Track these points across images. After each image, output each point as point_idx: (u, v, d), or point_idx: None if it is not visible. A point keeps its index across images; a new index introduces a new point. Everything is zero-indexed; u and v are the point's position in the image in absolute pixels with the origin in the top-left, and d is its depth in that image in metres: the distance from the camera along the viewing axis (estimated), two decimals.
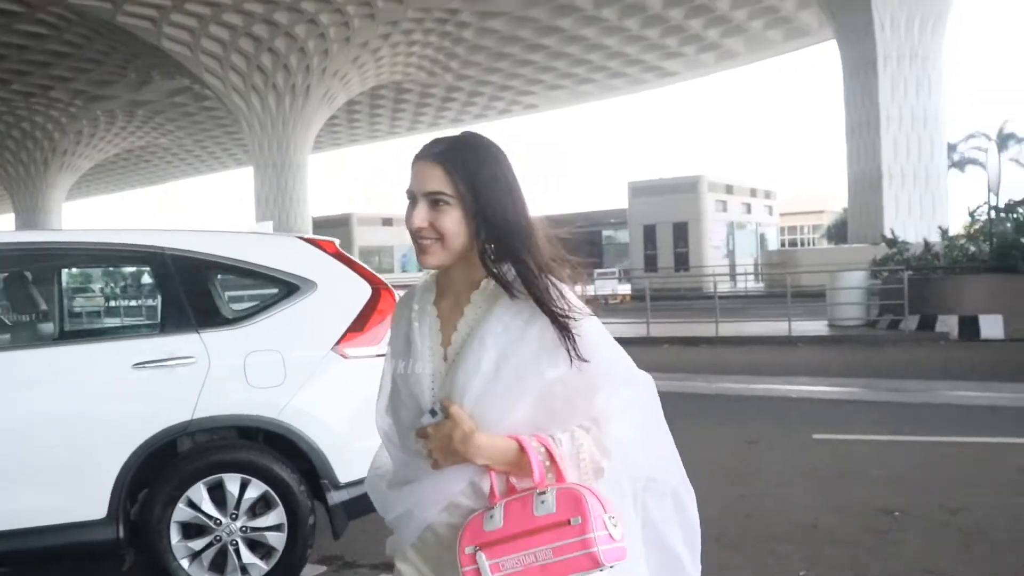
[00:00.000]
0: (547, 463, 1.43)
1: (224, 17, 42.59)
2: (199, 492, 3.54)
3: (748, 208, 36.97)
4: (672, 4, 44.40)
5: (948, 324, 13.77)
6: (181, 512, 3.52)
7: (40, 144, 61.24)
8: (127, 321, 3.98)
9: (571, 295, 1.49)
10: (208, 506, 3.55)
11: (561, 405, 1.46)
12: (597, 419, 1.46)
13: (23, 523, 3.37)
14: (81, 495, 3.45)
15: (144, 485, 3.57)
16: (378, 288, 3.77)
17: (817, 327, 15.36)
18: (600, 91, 64.28)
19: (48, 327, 4.03)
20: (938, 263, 15.09)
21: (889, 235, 16.33)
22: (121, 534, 3.46)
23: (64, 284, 4.52)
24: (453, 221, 1.47)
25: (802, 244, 68.30)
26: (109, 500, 3.44)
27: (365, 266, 3.92)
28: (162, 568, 3.52)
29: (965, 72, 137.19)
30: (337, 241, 4.07)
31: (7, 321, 4.03)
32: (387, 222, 45.12)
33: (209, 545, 3.55)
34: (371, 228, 42.22)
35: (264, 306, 3.69)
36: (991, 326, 13.44)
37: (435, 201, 1.47)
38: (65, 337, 4.23)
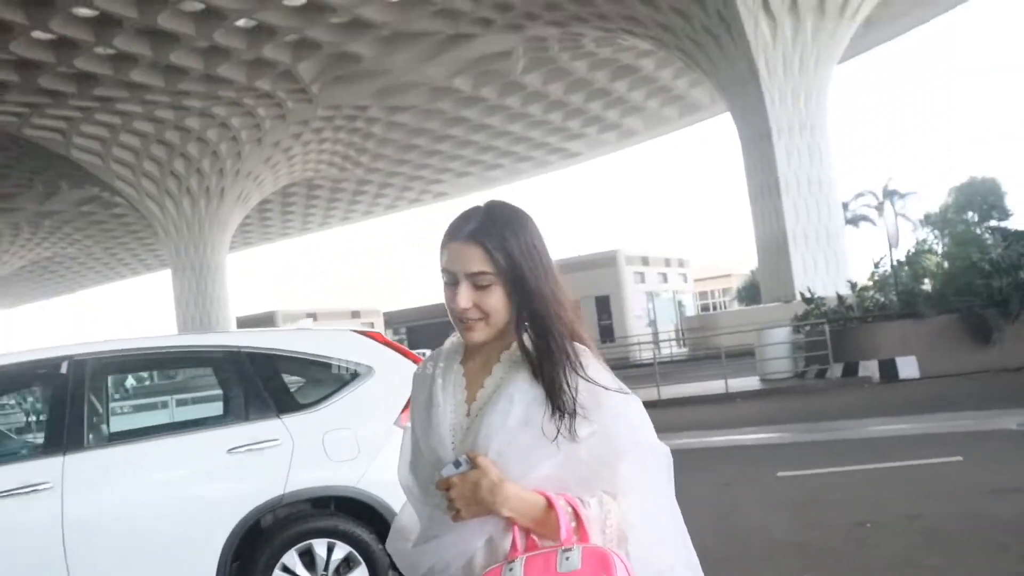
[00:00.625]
0: (573, 523, 1.42)
1: (135, 125, 42.77)
2: (292, 558, 4.04)
3: (664, 277, 38.49)
4: (573, 89, 46.52)
5: (869, 368, 14.91)
6: None
7: None
8: (217, 412, 4.43)
9: (601, 368, 1.51)
10: (301, 570, 4.05)
11: (586, 469, 1.46)
12: (623, 488, 1.46)
13: None
14: (192, 570, 3.91)
15: (240, 558, 4.06)
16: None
17: (750, 382, 16.34)
18: (508, 175, 66.13)
19: (154, 420, 4.48)
20: (853, 314, 16.33)
21: (806, 293, 17.55)
22: None
23: (160, 382, 4.99)
24: (498, 299, 1.48)
25: (714, 308, 70.64)
26: (216, 573, 3.92)
27: (408, 349, 4.55)
28: None
29: (847, 137, 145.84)
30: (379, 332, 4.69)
31: (131, 417, 4.49)
32: (311, 316, 45.18)
33: None
34: (296, 325, 42.18)
35: (332, 391, 4.27)
36: (907, 367, 14.63)
37: (478, 283, 1.48)
38: (168, 429, 4.69)
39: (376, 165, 56.10)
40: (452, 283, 1.50)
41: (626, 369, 22.17)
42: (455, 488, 1.43)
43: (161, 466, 4.01)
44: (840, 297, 17.13)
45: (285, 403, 4.18)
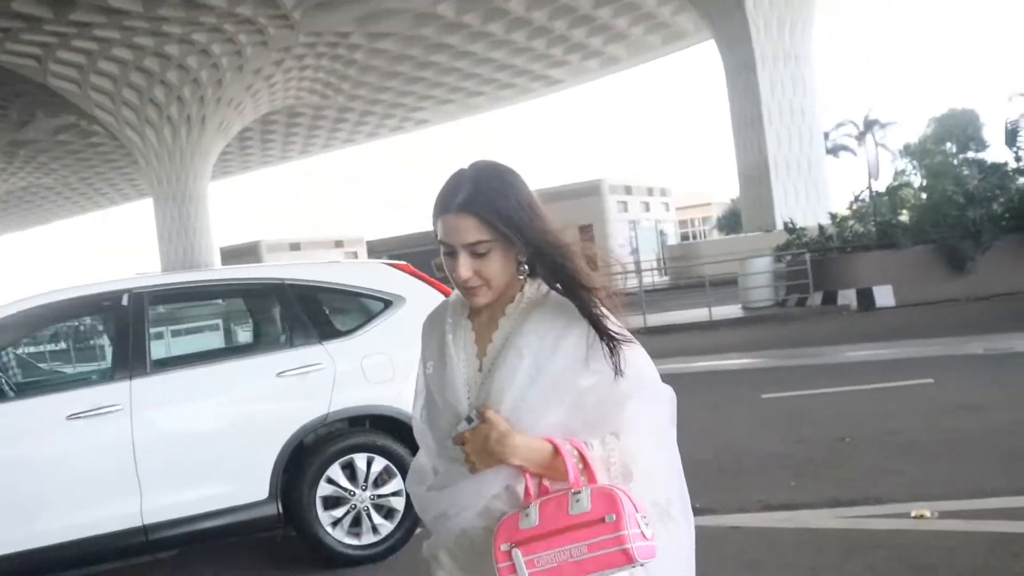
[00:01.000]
0: (580, 465, 1.49)
1: (113, 52, 42.10)
2: (336, 471, 4.50)
3: (647, 207, 38.88)
4: (556, 15, 46.06)
5: (848, 297, 15.48)
6: (323, 488, 4.47)
7: None
8: (264, 340, 4.82)
9: (612, 317, 1.56)
10: (344, 481, 4.51)
11: (593, 412, 1.52)
12: (627, 428, 1.53)
13: (207, 508, 4.26)
14: (248, 482, 4.34)
15: (288, 471, 4.50)
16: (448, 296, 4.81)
17: (733, 311, 16.90)
18: (490, 103, 65.75)
19: (208, 347, 4.90)
20: (833, 244, 16.83)
21: (788, 222, 18.01)
22: (280, 511, 4.40)
23: (210, 311, 5.38)
24: (497, 263, 1.54)
25: (694, 236, 71.14)
26: (269, 484, 4.36)
27: (435, 279, 4.94)
28: (312, 534, 4.44)
29: (830, 66, 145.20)
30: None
31: (186, 344, 4.89)
32: (295, 247, 45.32)
33: (347, 513, 4.52)
34: (279, 254, 42.37)
35: (368, 319, 4.68)
36: (884, 296, 15.21)
37: (476, 251, 1.53)
38: (221, 355, 5.09)
39: (358, 92, 55.60)
40: (451, 254, 1.55)
41: None
42: (468, 443, 1.51)
43: (218, 388, 4.43)
44: (821, 228, 17.62)
45: (326, 331, 4.58)
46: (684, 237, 58.52)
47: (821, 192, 31.23)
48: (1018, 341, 9.38)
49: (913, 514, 4.22)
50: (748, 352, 11.63)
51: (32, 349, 5.00)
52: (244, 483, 4.36)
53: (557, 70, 57.70)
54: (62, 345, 5.09)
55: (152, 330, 4.45)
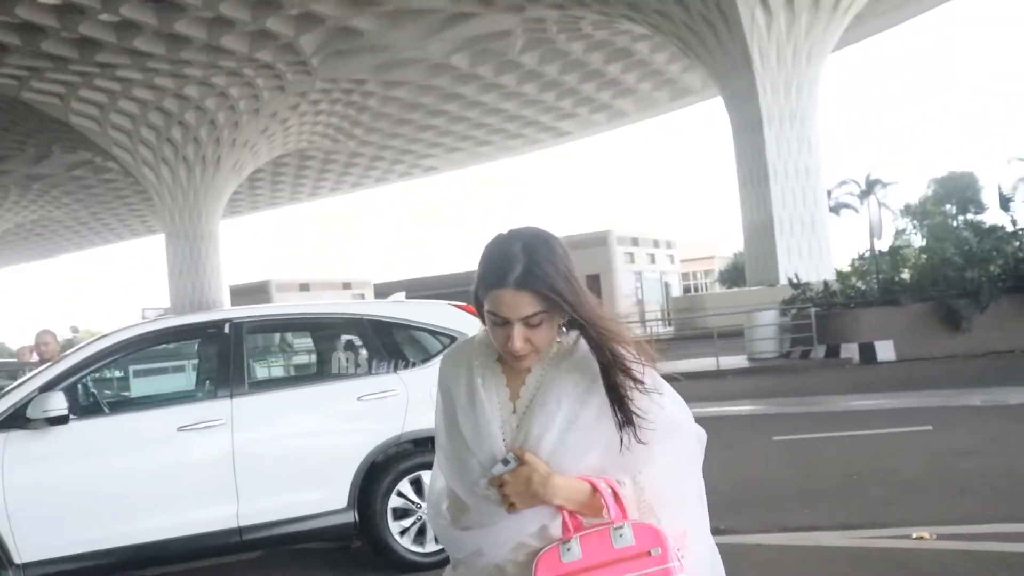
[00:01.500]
0: (614, 502, 1.55)
1: (134, 92, 43.17)
2: (405, 486, 5.09)
3: (652, 258, 39.64)
4: (567, 69, 47.26)
5: (850, 351, 16.10)
6: (394, 500, 5.05)
7: None
8: (347, 368, 5.42)
9: (651, 374, 1.63)
10: (413, 496, 5.10)
11: (626, 457, 1.58)
12: (653, 467, 1.60)
13: (294, 513, 4.84)
14: (330, 492, 4.91)
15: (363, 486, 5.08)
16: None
17: (739, 361, 17.50)
18: (497, 152, 66.90)
19: (298, 371, 5.52)
20: (837, 299, 17.49)
21: (793, 278, 18.70)
22: (356, 519, 4.98)
23: (303, 343, 6.00)
24: (548, 331, 1.60)
25: (696, 289, 71.85)
26: (348, 495, 4.94)
27: None
28: (383, 541, 5.01)
29: (834, 125, 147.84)
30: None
31: (283, 369, 5.50)
32: (304, 287, 45.99)
33: (413, 523, 5.09)
34: (289, 294, 43.03)
35: (437, 352, 5.29)
36: (885, 350, 15.82)
37: (530, 323, 1.57)
38: (310, 380, 5.69)
39: (369, 138, 56.70)
40: (502, 324, 1.57)
41: None
42: (508, 484, 1.55)
43: (306, 408, 5.04)
44: (826, 283, 18.28)
45: (400, 361, 5.21)
46: (687, 289, 59.23)
47: (824, 249, 31.94)
48: (1012, 395, 9.97)
49: (914, 535, 4.80)
50: (756, 399, 12.22)
51: (148, 367, 5.62)
52: (326, 493, 4.94)
53: (566, 122, 58.91)
54: (174, 365, 5.73)
55: (249, 355, 5.07)
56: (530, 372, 1.63)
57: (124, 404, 5.08)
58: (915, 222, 45.80)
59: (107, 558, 4.58)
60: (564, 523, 1.56)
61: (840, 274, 19.22)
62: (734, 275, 54.75)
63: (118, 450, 4.69)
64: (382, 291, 47.39)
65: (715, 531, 1.70)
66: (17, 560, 4.40)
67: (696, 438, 1.70)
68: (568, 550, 1.53)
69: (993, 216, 46.77)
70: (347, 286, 47.82)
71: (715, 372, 16.25)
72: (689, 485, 1.66)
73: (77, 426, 4.56)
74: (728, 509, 5.45)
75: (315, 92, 45.86)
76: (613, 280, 35.04)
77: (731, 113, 32.90)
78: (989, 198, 39.94)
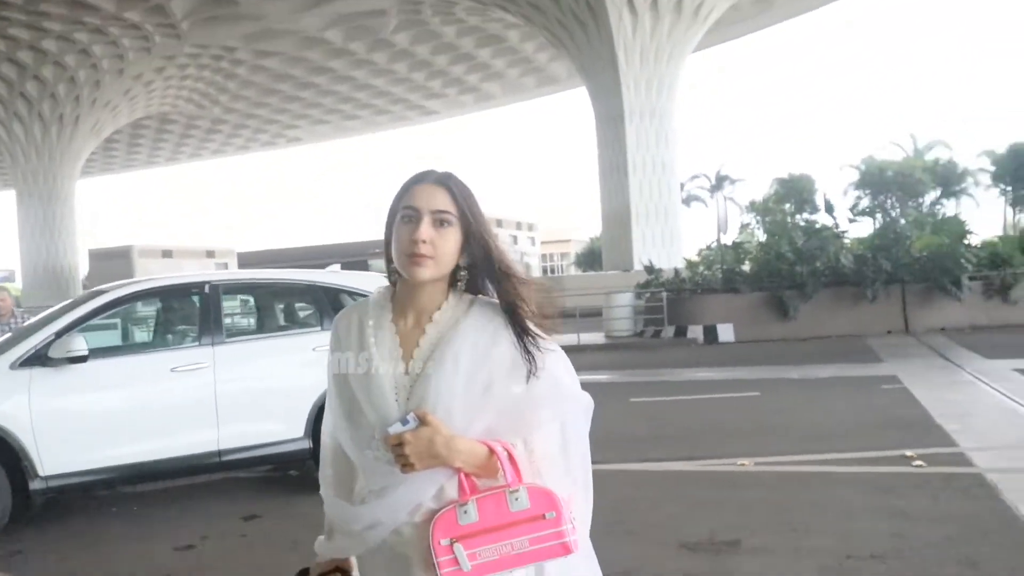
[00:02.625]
0: (508, 465, 1.57)
1: None
2: None
3: (515, 239, 41.39)
4: (439, 51, 48.24)
5: (696, 332, 18.13)
6: None
7: None
8: (304, 323, 6.48)
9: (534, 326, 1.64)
10: None
11: (516, 417, 1.61)
12: (540, 431, 1.63)
13: (262, 440, 5.99)
14: (291, 423, 6.06)
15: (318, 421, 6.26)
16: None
17: (597, 338, 19.27)
18: (364, 127, 67.15)
19: (264, 326, 6.57)
20: (686, 286, 19.52)
21: (649, 264, 20.64)
22: (311, 445, 6.17)
23: (267, 303, 7.05)
24: (452, 240, 1.60)
25: (553, 271, 74.45)
26: (305, 425, 6.12)
27: None
28: None
29: (688, 121, 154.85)
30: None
31: (251, 323, 6.56)
32: (167, 254, 45.23)
33: None
34: (151, 260, 42.32)
35: None
36: (726, 332, 17.94)
37: (440, 220, 1.59)
38: (273, 332, 6.71)
39: (234, 106, 55.95)
40: (413, 219, 1.59)
41: None
42: (408, 444, 1.53)
43: (273, 355, 6.18)
44: (677, 271, 20.32)
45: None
46: (545, 271, 61.54)
47: (675, 238, 34.42)
48: (823, 371, 12.03)
49: (738, 463, 6.44)
50: (613, 370, 13.91)
51: (146, 316, 6.63)
52: (288, 424, 6.11)
53: (433, 101, 59.87)
54: (167, 316, 6.74)
55: (225, 310, 6.18)
56: (425, 333, 1.64)
57: (125, 348, 6.07)
58: (758, 218, 49.50)
59: (112, 473, 5.63)
60: (461, 485, 1.58)
61: (689, 263, 21.33)
62: (590, 259, 57.34)
63: (123, 385, 5.72)
64: (246, 261, 47.12)
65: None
66: (41, 473, 5.39)
67: (583, 407, 1.71)
68: (465, 512, 1.55)
69: (825, 217, 51.02)
70: (211, 254, 47.25)
71: (576, 347, 17.92)
72: (576, 452, 1.66)
73: (91, 365, 5.57)
74: (595, 447, 6.94)
75: (183, 56, 45.06)
76: None
77: (595, 106, 34.84)
78: (822, 200, 43.79)
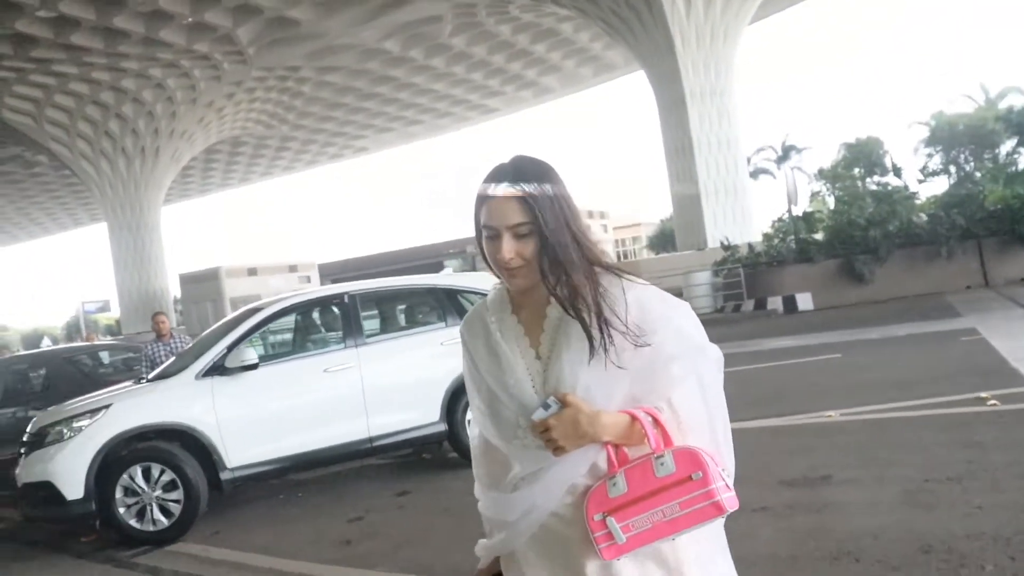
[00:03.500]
0: (655, 429, 1.53)
1: (70, 86, 43.58)
2: None
3: (589, 228, 42.04)
4: (495, 50, 49.11)
5: (775, 303, 18.66)
6: (471, 414, 7.21)
7: None
8: (428, 323, 7.43)
9: (640, 282, 1.65)
10: None
11: (652, 377, 1.57)
12: (678, 388, 1.57)
13: (405, 426, 6.93)
14: (428, 410, 6.99)
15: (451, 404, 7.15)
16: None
17: None
18: (427, 131, 68.43)
19: (396, 326, 7.58)
20: (762, 259, 20.04)
21: (724, 242, 21.20)
22: (446, 428, 7.07)
23: (397, 306, 8.06)
24: (533, 248, 1.56)
25: (626, 255, 74.82)
26: (439, 411, 7.04)
27: None
28: (463, 442, 7.11)
29: (751, 96, 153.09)
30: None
31: (385, 325, 7.60)
32: (252, 272, 47.11)
33: None
34: (239, 279, 44.23)
35: None
36: (804, 301, 18.43)
37: (518, 233, 1.56)
38: (405, 332, 7.69)
39: (302, 122, 57.70)
40: (494, 236, 1.59)
41: None
42: (554, 428, 1.53)
43: (408, 352, 7.12)
44: (751, 246, 20.84)
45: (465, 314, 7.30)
46: (619, 256, 62.03)
47: (747, 213, 34.71)
48: (902, 329, 12.53)
49: (826, 415, 7.14)
50: None
51: (298, 326, 7.67)
52: (425, 410, 7.03)
53: (493, 99, 60.80)
54: (315, 324, 7.79)
55: (364, 315, 7.14)
56: (546, 317, 1.64)
57: (284, 355, 7.09)
58: (828, 185, 49.16)
59: (283, 463, 6.63)
60: (609, 458, 1.56)
61: (764, 236, 21.81)
62: (662, 241, 57.58)
63: (287, 387, 6.72)
64: (326, 271, 48.73)
65: None
66: (229, 465, 6.41)
67: (714, 359, 1.67)
68: (614, 485, 1.54)
69: (895, 179, 50.45)
70: (293, 268, 48.97)
71: None
72: (715, 405, 1.62)
73: (260, 371, 6.57)
74: None
75: (250, 80, 46.80)
76: None
77: (656, 91, 35.29)
78: (892, 160, 43.36)
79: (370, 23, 41.39)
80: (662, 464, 1.51)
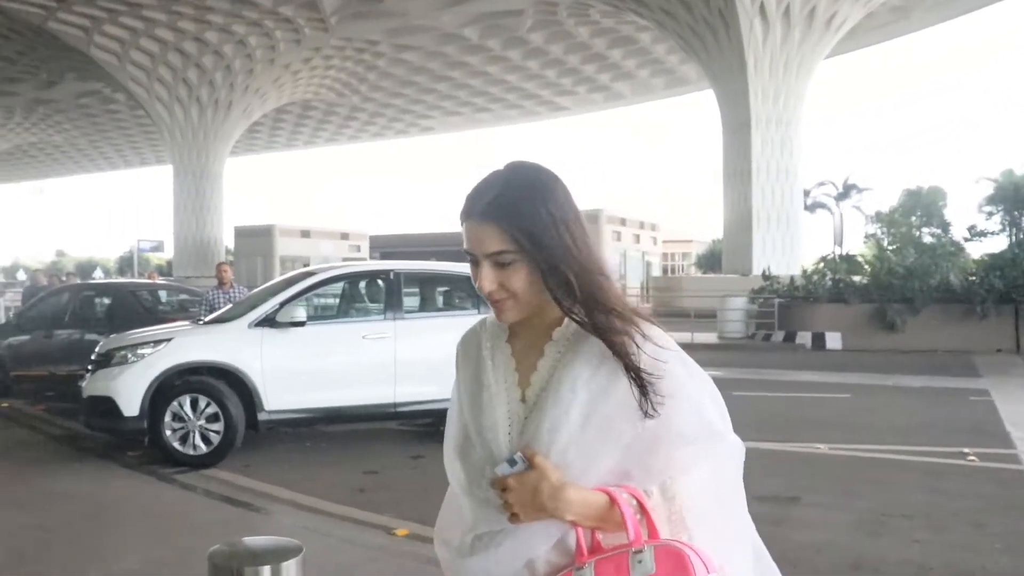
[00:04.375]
0: (639, 516, 1.30)
1: (156, 32, 44.96)
2: None
3: (637, 239, 42.51)
4: (572, 50, 49.59)
5: (804, 338, 19.04)
6: None
7: None
8: (461, 307, 8.16)
9: (654, 331, 1.37)
10: None
11: (649, 455, 1.32)
12: (685, 474, 1.32)
13: (431, 397, 7.59)
14: (449, 387, 7.65)
15: None
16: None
17: (710, 338, 20.38)
18: (495, 120, 69.16)
19: (431, 307, 8.31)
20: (799, 293, 20.40)
21: (767, 270, 21.58)
22: None
23: (435, 288, 8.78)
24: (522, 278, 1.35)
25: (673, 271, 74.98)
26: None
27: None
28: None
29: (816, 127, 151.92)
30: None
31: (422, 304, 8.33)
32: (305, 234, 48.34)
33: None
34: (291, 239, 45.50)
35: None
36: (833, 340, 18.79)
37: (499, 263, 1.34)
38: (442, 313, 8.38)
39: (372, 95, 58.68)
40: (474, 263, 1.38)
41: None
42: (512, 491, 1.31)
43: (437, 331, 7.77)
44: (792, 278, 21.20)
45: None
46: (665, 270, 62.31)
47: (796, 244, 34.85)
48: (916, 380, 12.93)
49: (816, 446, 7.67)
50: (723, 367, 15.07)
51: (346, 293, 8.41)
52: (446, 387, 7.66)
53: (564, 98, 61.25)
54: (361, 294, 8.53)
55: (405, 292, 7.82)
56: (543, 355, 1.39)
57: (329, 317, 7.83)
58: (883, 229, 49.06)
59: (315, 414, 7.35)
60: (579, 543, 1.33)
61: (804, 271, 22.16)
62: (710, 261, 57.84)
63: (328, 346, 7.43)
64: (376, 243, 49.75)
65: None
66: (266, 407, 7.14)
67: (734, 450, 1.42)
68: None
69: (957, 231, 50.00)
70: (345, 236, 50.14)
71: (688, 344, 19.10)
72: (730, 503, 1.38)
73: (307, 329, 7.29)
74: None
75: (329, 48, 47.82)
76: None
77: (722, 111, 35.55)
78: (951, 214, 43.18)
79: (452, 8, 42.14)
80: (640, 562, 1.27)
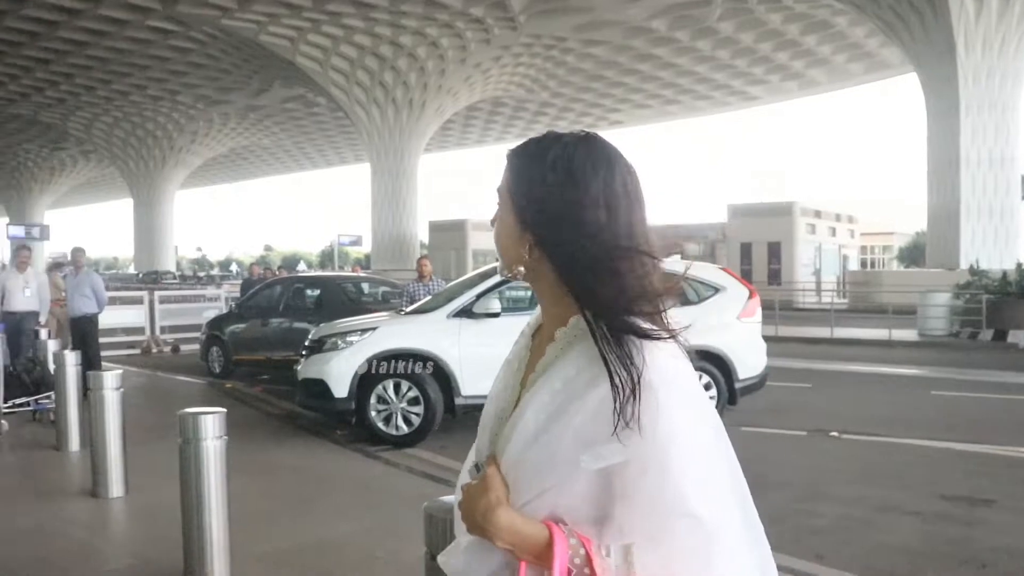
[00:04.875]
0: (585, 571, 1.08)
1: (355, 38, 47.48)
2: None
3: (833, 231, 40.82)
4: (763, 38, 48.17)
5: (1018, 337, 17.73)
6: None
7: (160, 143, 66.88)
8: None
9: (668, 364, 1.15)
10: None
11: (617, 507, 1.09)
12: (655, 549, 1.07)
13: None
14: None
15: None
16: (751, 289, 8.19)
17: (909, 335, 19.36)
18: (684, 111, 68.34)
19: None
20: (1011, 289, 18.99)
21: (975, 265, 20.27)
22: None
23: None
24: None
25: (872, 264, 71.32)
26: None
27: (742, 277, 8.26)
28: None
29: None
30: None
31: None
32: (477, 227, 49.73)
33: None
34: (483, 233, 46.98)
35: (708, 296, 8.06)
36: None
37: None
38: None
39: (561, 90, 59.38)
40: None
41: (790, 311, 25.38)
42: (464, 500, 1.18)
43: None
44: (1005, 273, 19.77)
45: (684, 300, 8.02)
46: (864, 264, 59.46)
47: (1011, 237, 32.29)
48: None
49: (1020, 450, 7.29)
50: (923, 366, 14.36)
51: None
52: None
53: (756, 87, 59.61)
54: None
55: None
56: (544, 354, 1.23)
57: (520, 309, 8.23)
58: None
59: None
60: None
61: (1020, 266, 20.59)
62: (914, 254, 54.65)
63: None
64: None
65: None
66: (463, 392, 7.58)
67: (705, 534, 1.08)
68: None
69: None
70: None
71: (885, 342, 18.29)
72: None
73: (501, 320, 7.67)
74: (882, 425, 8.01)
75: (518, 46, 48.83)
76: (793, 249, 36.67)
77: (927, 97, 33.48)
78: None
79: (639, 1, 42.00)
80: None
